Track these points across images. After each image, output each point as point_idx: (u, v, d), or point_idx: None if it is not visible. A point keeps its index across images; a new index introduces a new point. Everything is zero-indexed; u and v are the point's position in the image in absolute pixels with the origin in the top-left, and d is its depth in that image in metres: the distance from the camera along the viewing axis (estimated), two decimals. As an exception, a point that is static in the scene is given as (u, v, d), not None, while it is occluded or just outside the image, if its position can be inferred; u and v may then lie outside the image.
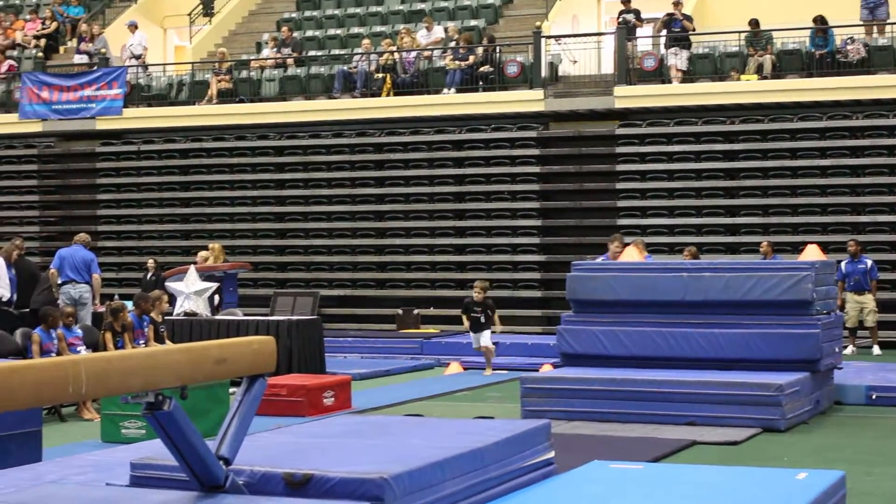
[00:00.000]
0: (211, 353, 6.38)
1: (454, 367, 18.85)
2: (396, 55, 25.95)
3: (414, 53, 25.90)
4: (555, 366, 16.31)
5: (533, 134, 24.29)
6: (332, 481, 6.50)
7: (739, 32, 23.95)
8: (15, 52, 30.40)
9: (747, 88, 23.17)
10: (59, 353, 13.96)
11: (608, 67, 25.21)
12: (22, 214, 27.78)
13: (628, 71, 24.05)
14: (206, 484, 6.35)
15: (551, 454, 8.51)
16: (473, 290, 18.69)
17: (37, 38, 30.91)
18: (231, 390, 12.52)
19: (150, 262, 23.30)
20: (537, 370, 16.75)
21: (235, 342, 6.83)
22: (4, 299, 18.87)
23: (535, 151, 24.23)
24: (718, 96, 23.36)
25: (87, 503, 6.24)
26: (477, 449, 7.51)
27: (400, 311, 23.44)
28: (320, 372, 16.33)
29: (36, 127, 27.80)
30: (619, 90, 23.73)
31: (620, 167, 23.73)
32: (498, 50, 25.49)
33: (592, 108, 24.05)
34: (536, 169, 24.15)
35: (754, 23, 23.78)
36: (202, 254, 21.50)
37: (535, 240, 24.03)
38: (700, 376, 12.97)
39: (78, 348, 14.27)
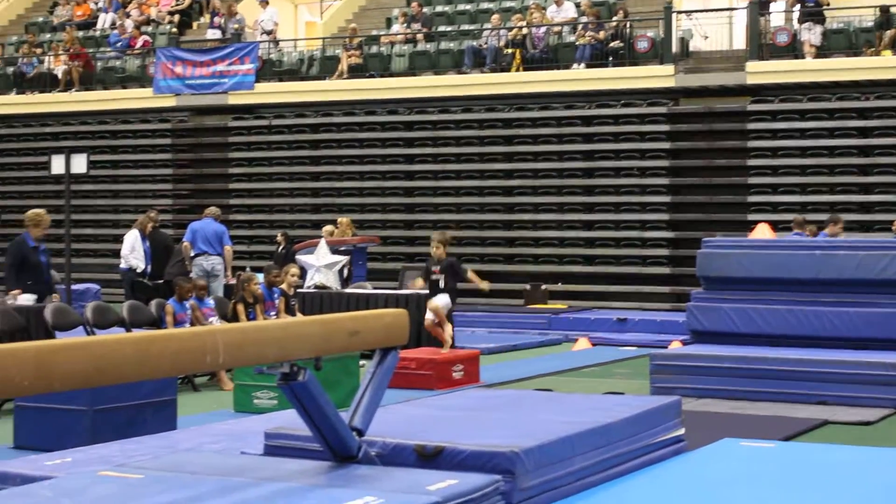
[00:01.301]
0: (345, 325, 6.44)
1: (582, 343, 18.80)
2: (526, 30, 25.90)
3: (543, 28, 25.82)
4: (684, 343, 16.21)
5: (663, 110, 24.11)
6: (463, 454, 6.53)
7: (875, 7, 23.52)
8: (150, 28, 30.88)
9: (882, 64, 22.76)
10: (192, 324, 14.19)
11: (740, 43, 24.92)
12: (156, 187, 28.24)
13: (760, 46, 23.75)
14: (340, 454, 6.42)
15: (682, 431, 8.47)
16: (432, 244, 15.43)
17: (171, 13, 31.37)
18: (361, 363, 12.63)
19: (280, 236, 23.52)
20: (666, 347, 16.65)
21: (369, 315, 6.88)
22: (139, 270, 19.23)
23: (665, 127, 24.04)
24: (852, 72, 22.98)
25: (223, 471, 6.33)
26: (607, 424, 7.50)
27: (528, 287, 23.43)
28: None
29: (170, 101, 28.21)
30: (751, 66, 23.44)
31: (752, 144, 23.44)
32: (628, 25, 25.32)
33: (723, 84, 23.79)
34: (666, 145, 23.96)
35: (884, 10, 23.36)
36: (327, 228, 21.68)
37: (665, 216, 23.86)
38: (832, 355, 12.78)
39: (210, 319, 14.49)
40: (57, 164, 18.99)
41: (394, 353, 6.65)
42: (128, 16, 31.35)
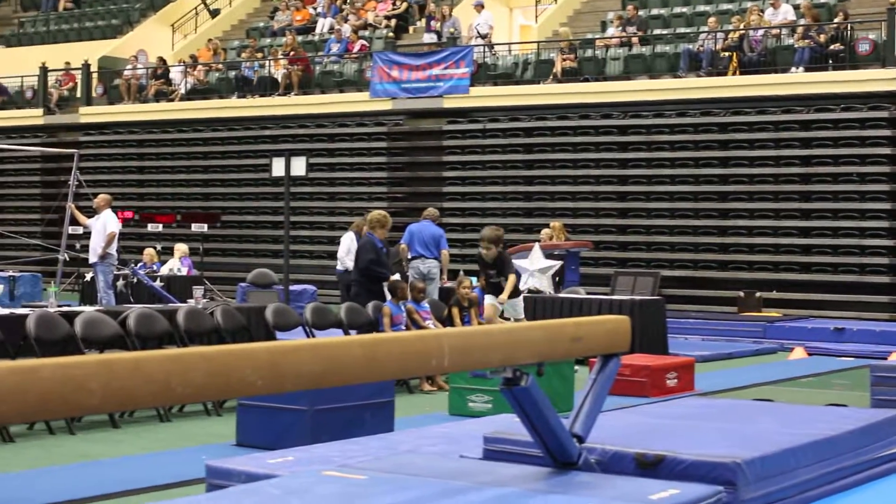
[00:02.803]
0: (567, 330, 6.42)
1: (798, 353, 18.48)
2: (743, 33, 25.55)
3: (761, 31, 25.44)
4: (905, 354, 15.83)
5: (884, 114, 23.51)
6: (683, 463, 6.45)
7: None
8: (367, 33, 31.33)
9: None
10: (408, 327, 14.34)
11: (967, 44, 24.22)
12: (371, 190, 28.62)
13: None
14: (560, 460, 6.41)
15: (907, 445, 8.24)
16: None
17: (388, 18, 31.78)
18: (575, 368, 12.62)
19: (493, 239, 23.58)
20: (885, 358, 16.26)
21: (591, 321, 6.87)
22: None
23: (887, 132, 23.44)
24: None
25: (444, 474, 6.37)
26: (830, 437, 7.33)
27: (742, 294, 23.10)
28: (663, 353, 16.27)
29: (386, 105, 28.57)
30: (979, 68, 22.77)
31: (978, 148, 22.78)
32: (849, 27, 24.80)
33: (949, 88, 23.15)
34: (887, 150, 23.37)
35: None
36: (545, 231, 21.71)
37: (885, 223, 23.26)
38: None
39: (427, 322, 14.62)
40: (277, 167, 19.40)
41: (615, 360, 6.61)
42: (345, 20, 31.86)
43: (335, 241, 22.52)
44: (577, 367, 12.87)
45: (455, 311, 14.94)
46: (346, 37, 30.85)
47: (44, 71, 34.27)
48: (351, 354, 5.10)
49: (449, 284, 18.22)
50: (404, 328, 14.27)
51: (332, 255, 22.17)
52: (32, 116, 33.76)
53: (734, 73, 25.11)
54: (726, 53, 25.30)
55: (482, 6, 29.37)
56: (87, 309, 13.39)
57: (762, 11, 26.16)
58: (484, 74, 28.11)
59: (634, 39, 27.00)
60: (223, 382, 4.61)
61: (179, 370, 4.42)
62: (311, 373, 4.88)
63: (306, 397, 9.64)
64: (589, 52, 27.32)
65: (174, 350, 4.63)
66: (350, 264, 19.48)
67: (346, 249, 19.65)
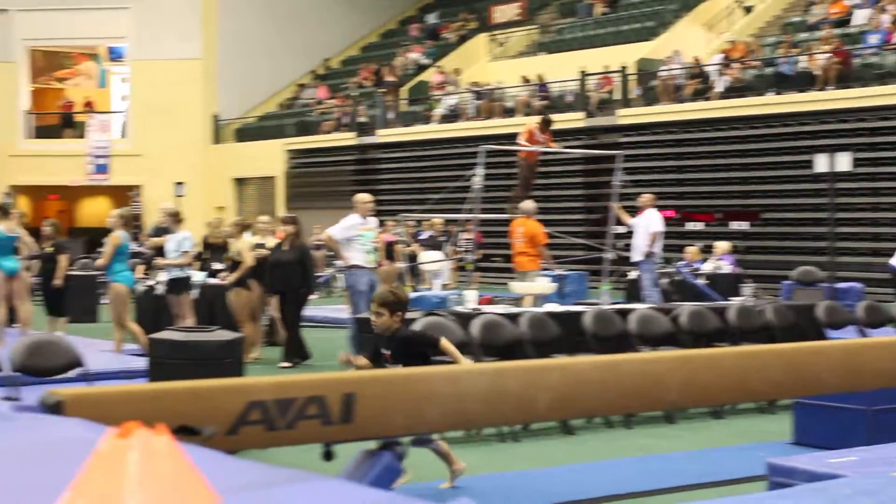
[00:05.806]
0: None
1: None
2: None
3: None
4: None
5: None
6: None
7: None
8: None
9: None
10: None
11: None
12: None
13: None
14: None
15: None
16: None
17: None
18: None
19: None
20: None
21: None
22: None
23: None
24: None
25: None
26: None
27: None
28: None
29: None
30: None
31: None
32: None
33: None
34: None
35: None
36: None
37: None
38: None
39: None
40: (820, 163, 19.16)
41: None
42: (884, 11, 30.98)
43: (879, 238, 21.92)
44: None
45: None
46: (885, 27, 29.98)
47: (583, 75, 35.22)
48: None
49: None
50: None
51: (877, 252, 21.56)
52: (574, 119, 34.72)
53: None
54: None
55: None
56: (641, 307, 13.70)
57: None
58: None
59: None
60: (798, 379, 4.68)
61: (756, 366, 4.52)
62: (889, 371, 4.86)
63: (865, 396, 9.47)
64: None
65: (749, 347, 4.74)
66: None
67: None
